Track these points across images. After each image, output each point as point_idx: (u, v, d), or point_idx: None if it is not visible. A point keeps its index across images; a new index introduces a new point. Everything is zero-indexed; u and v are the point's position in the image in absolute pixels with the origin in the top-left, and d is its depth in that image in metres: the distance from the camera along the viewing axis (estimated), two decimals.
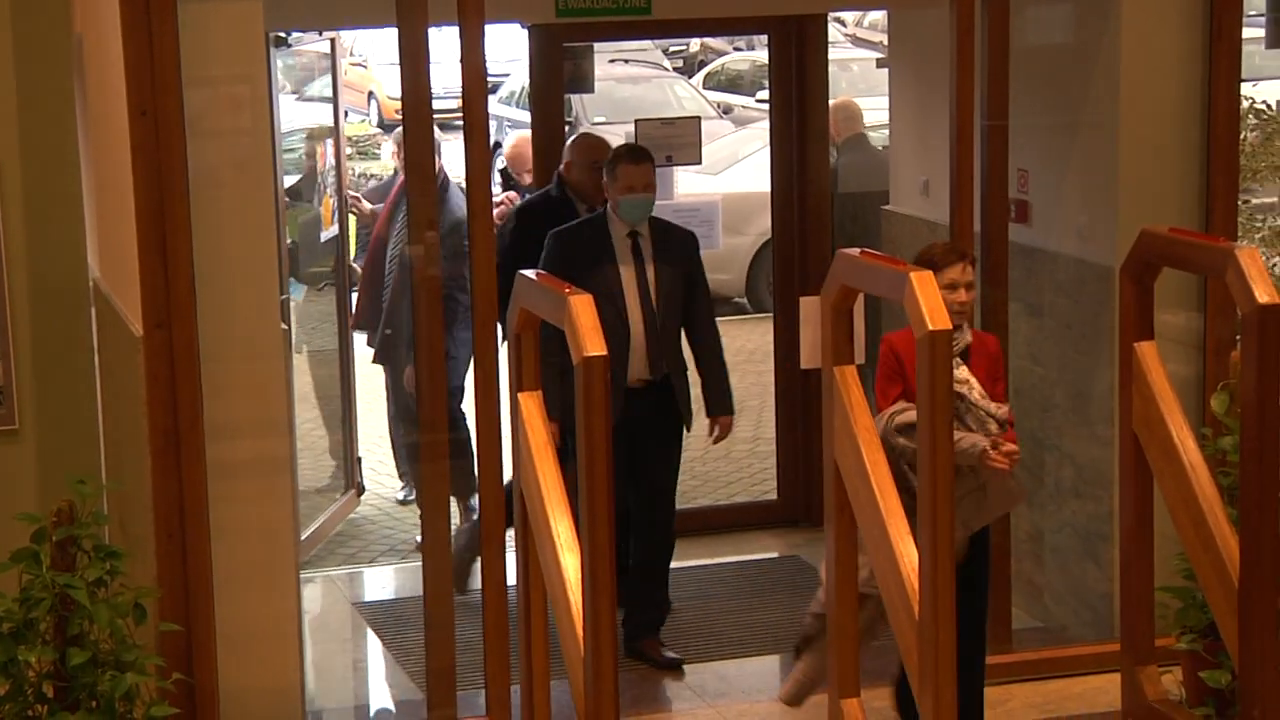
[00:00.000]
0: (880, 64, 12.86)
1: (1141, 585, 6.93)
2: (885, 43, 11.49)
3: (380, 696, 8.34)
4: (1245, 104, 8.61)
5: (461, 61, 7.05)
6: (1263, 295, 6.15)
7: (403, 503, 10.49)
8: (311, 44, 10.64)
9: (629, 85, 16.92)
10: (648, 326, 7.79)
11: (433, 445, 7.30)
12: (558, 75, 9.49)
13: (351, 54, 23.32)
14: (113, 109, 6.98)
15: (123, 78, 6.71)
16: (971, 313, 6.67)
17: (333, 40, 10.40)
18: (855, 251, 6.46)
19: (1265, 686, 6.24)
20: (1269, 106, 10.82)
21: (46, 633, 6.44)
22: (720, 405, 8.28)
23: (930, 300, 5.90)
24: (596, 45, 10.18)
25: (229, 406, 7.01)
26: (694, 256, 8.10)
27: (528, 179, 10.32)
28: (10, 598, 6.45)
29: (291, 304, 9.26)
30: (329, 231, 10.69)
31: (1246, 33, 8.00)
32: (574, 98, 11.81)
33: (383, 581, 9.44)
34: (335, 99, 10.60)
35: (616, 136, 11.50)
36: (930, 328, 5.85)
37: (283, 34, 9.38)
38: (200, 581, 6.93)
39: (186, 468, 6.89)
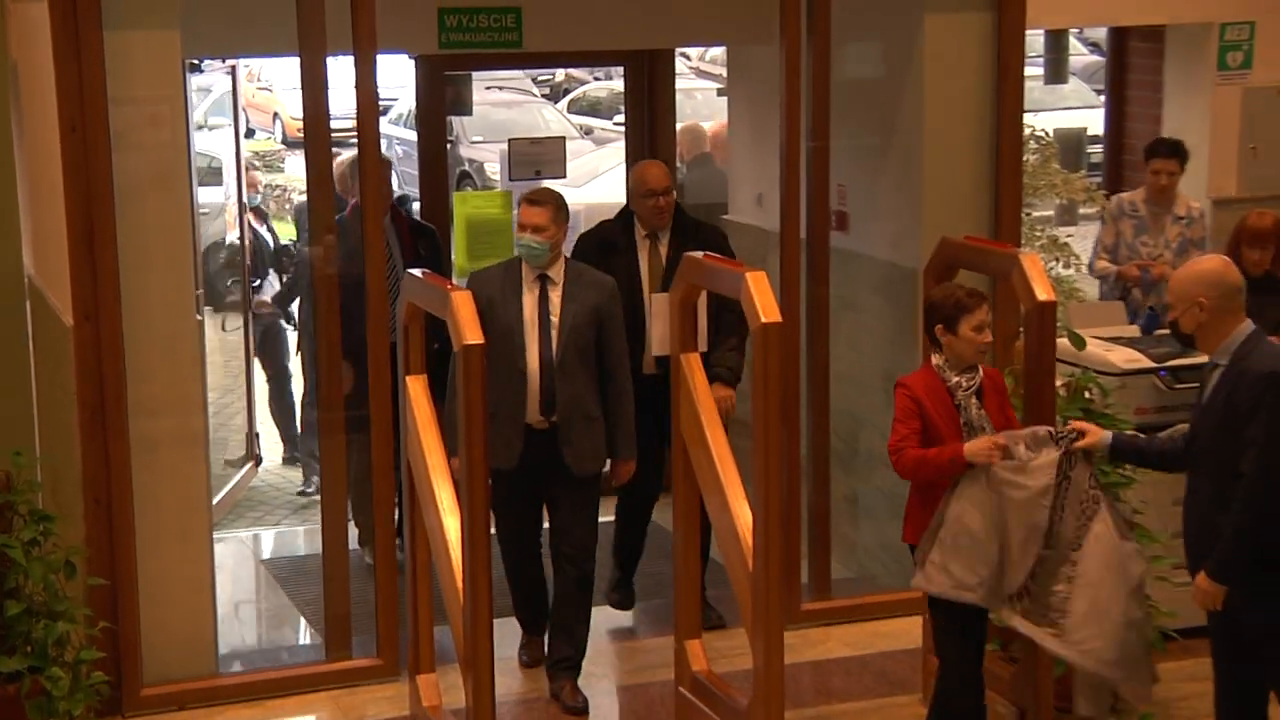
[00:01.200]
0: (720, 93, 12.81)
1: None
2: (725, 74, 11.40)
3: (284, 642, 8.15)
4: (1027, 132, 8.66)
5: (355, 86, 6.93)
6: (1041, 293, 6.24)
7: (301, 494, 10.17)
8: (215, 70, 10.46)
9: (503, 109, 16.84)
10: (543, 367, 6.70)
11: (330, 422, 7.17)
12: (440, 99, 9.38)
13: (259, 79, 23.00)
14: (45, 125, 6.83)
15: (54, 98, 6.61)
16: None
17: (234, 67, 10.24)
18: (700, 255, 6.43)
19: None
20: (1046, 134, 10.93)
21: None
22: (623, 449, 7.03)
23: (764, 297, 5.86)
24: (474, 74, 10.07)
25: (149, 388, 6.89)
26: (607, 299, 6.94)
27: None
28: None
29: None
30: (232, 234, 10.62)
31: (1028, 71, 8.08)
32: (455, 119, 11.63)
33: (286, 542, 9.25)
34: (235, 119, 10.52)
35: (491, 154, 11.45)
36: (763, 320, 5.82)
37: (195, 60, 9.17)
38: (124, 542, 6.81)
39: (112, 442, 6.79)
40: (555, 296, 6.71)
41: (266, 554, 9.00)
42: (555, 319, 6.68)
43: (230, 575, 8.55)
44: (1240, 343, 5.47)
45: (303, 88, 6.96)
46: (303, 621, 7.98)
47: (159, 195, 6.87)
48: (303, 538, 9.20)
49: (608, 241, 7.45)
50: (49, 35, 6.55)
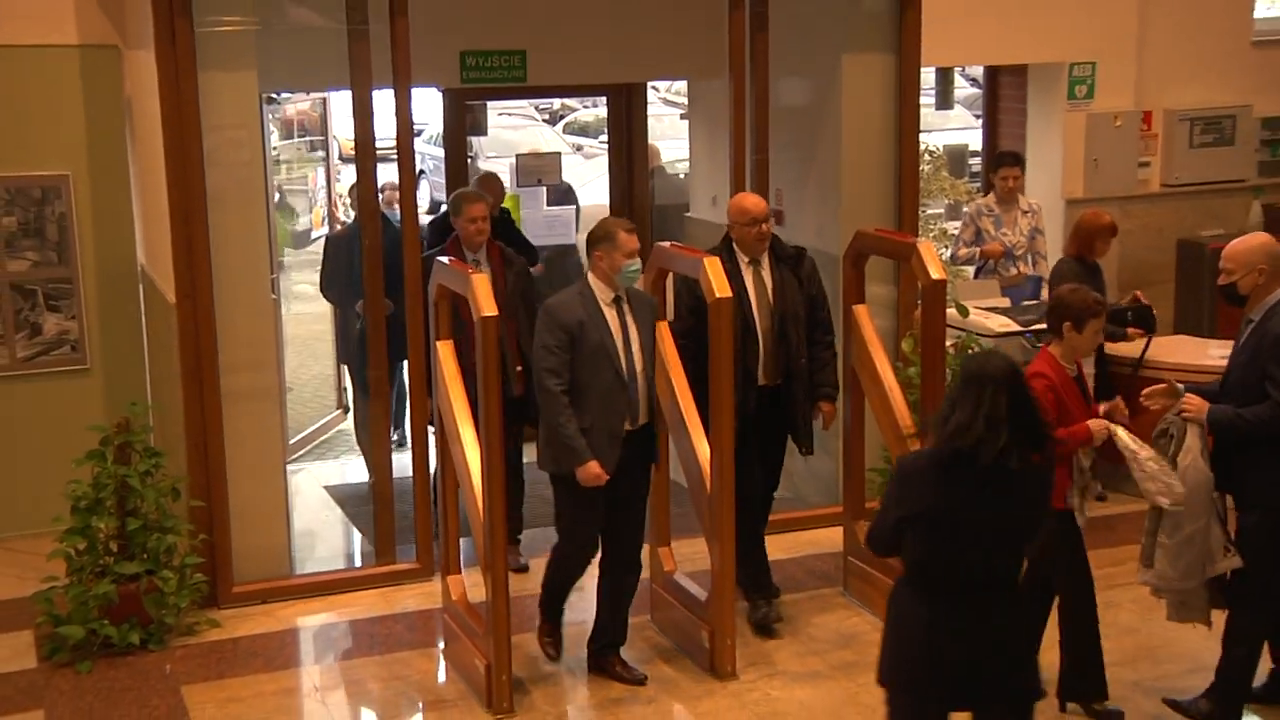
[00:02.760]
0: (683, 117, 12.76)
1: (857, 466, 6.96)
2: (686, 103, 11.38)
3: (344, 550, 8.18)
4: (922, 147, 8.67)
5: (395, 113, 6.91)
6: (934, 273, 6.27)
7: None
8: (299, 101, 10.40)
9: (511, 131, 16.79)
10: (631, 379, 5.93)
11: (377, 380, 7.17)
12: (462, 123, 9.37)
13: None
14: (153, 148, 6.83)
15: (160, 126, 6.59)
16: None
17: (324, 100, 10.17)
18: (668, 244, 6.44)
19: None
20: (937, 149, 10.96)
21: (111, 508, 6.43)
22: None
23: (717, 277, 5.88)
24: (489, 102, 10.06)
25: (235, 353, 6.88)
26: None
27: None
28: (85, 484, 6.43)
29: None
30: (320, 230, 10.64)
31: (922, 100, 8.12)
32: (473, 139, 11.58)
33: (346, 472, 9.25)
34: (326, 141, 10.49)
35: (503, 166, 11.39)
36: (717, 295, 5.83)
37: (273, 95, 9.13)
38: (217, 473, 6.83)
39: (206, 394, 6.79)
40: (629, 315, 5.97)
41: (334, 482, 8.98)
42: (635, 334, 5.96)
43: (303, 499, 8.54)
44: (1272, 305, 5.38)
45: (354, 115, 6.94)
46: (358, 534, 7.99)
47: (241, 202, 6.85)
48: (364, 468, 9.14)
49: None
50: (155, 76, 6.54)
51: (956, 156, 13.92)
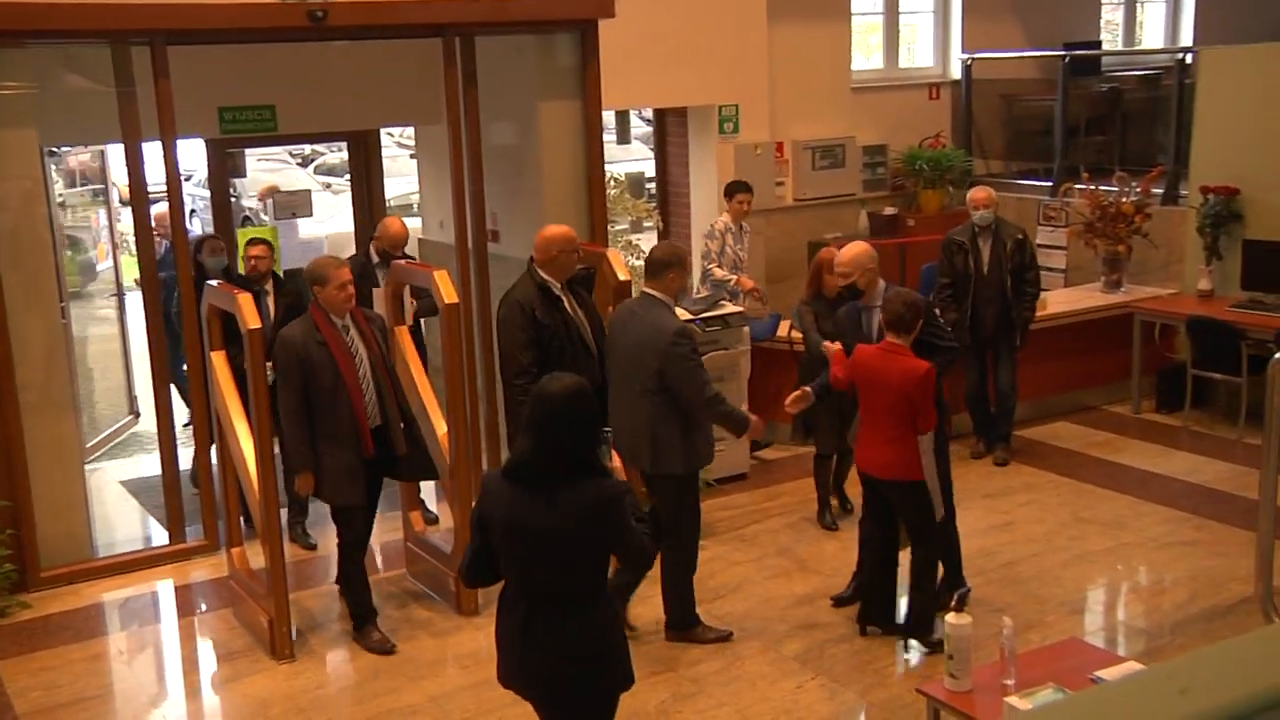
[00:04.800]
0: (412, 157, 12.51)
1: None
2: (414, 145, 11.16)
3: (139, 533, 7.74)
4: (608, 175, 8.73)
5: (164, 161, 6.54)
6: (621, 276, 6.29)
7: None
8: (80, 153, 9.70)
9: (268, 173, 16.11)
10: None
11: (160, 392, 6.79)
12: (224, 168, 8.91)
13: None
14: None
15: None
16: None
17: (103, 151, 9.45)
18: (404, 260, 6.32)
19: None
20: (619, 177, 11.05)
21: None
22: None
23: (446, 286, 5.79)
24: (247, 149, 9.60)
25: (29, 371, 6.43)
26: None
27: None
28: None
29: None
30: (105, 263, 9.98)
31: (606, 136, 8.17)
32: (235, 180, 11.07)
33: (140, 468, 8.73)
34: (106, 187, 9.73)
35: (262, 204, 10.94)
36: (446, 302, 5.75)
37: (54, 148, 8.50)
38: (20, 474, 6.38)
39: (6, 409, 6.33)
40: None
41: (129, 476, 8.47)
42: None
43: (102, 493, 8.01)
44: (883, 291, 5.70)
45: (126, 165, 6.54)
46: (151, 520, 7.56)
47: (30, 242, 6.40)
48: (156, 464, 8.63)
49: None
50: None
51: (636, 182, 14.10)
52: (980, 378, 7.89)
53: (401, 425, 5.69)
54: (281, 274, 7.23)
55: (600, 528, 3.57)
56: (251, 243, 7.02)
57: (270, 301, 6.82)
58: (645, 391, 5.32)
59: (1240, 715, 1.23)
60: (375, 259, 7.08)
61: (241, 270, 7.13)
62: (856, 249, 5.80)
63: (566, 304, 5.78)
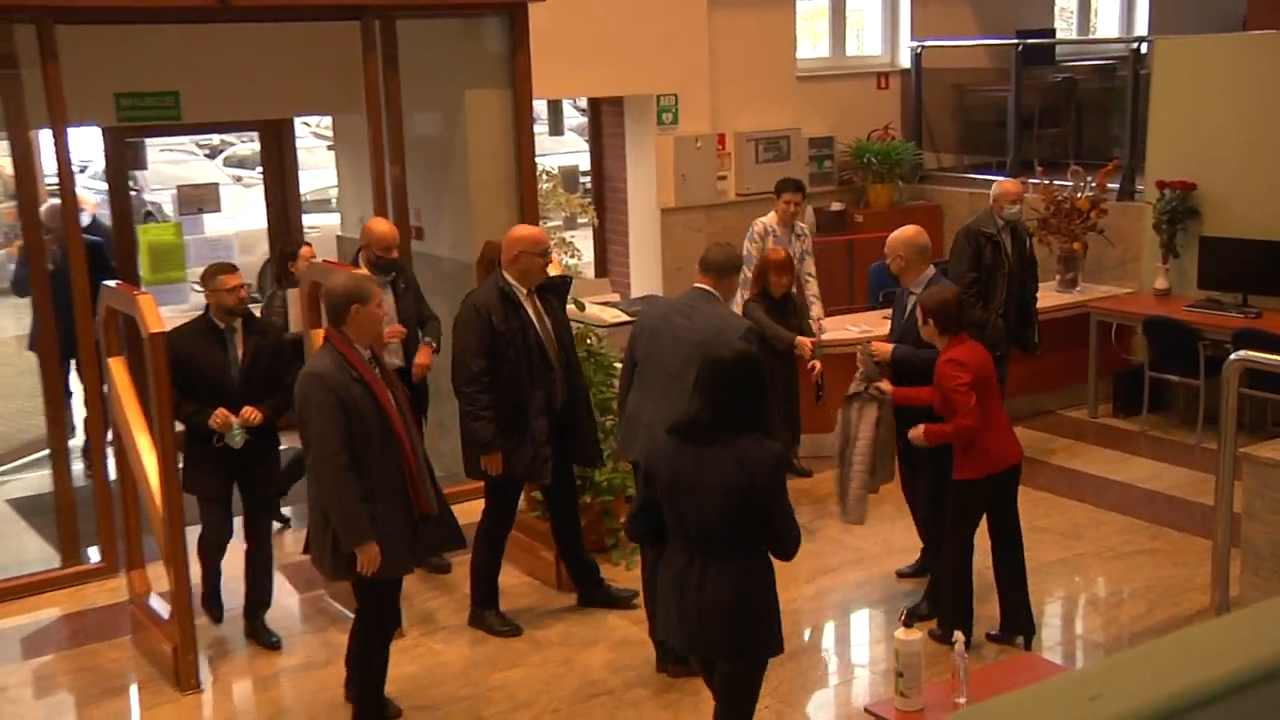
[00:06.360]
0: (330, 148, 12.37)
1: None
2: (333, 135, 11.04)
3: (32, 555, 7.54)
4: (539, 169, 8.69)
5: (54, 151, 6.36)
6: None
7: None
8: None
9: (173, 165, 15.84)
10: None
11: (52, 402, 6.63)
12: (123, 158, 8.72)
13: None
14: None
15: None
16: None
17: None
18: (321, 260, 6.23)
19: None
20: (553, 170, 11.00)
21: None
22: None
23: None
24: (148, 139, 9.41)
25: None
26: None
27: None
28: None
29: None
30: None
31: (537, 128, 8.13)
32: (136, 173, 10.86)
33: (34, 486, 8.50)
34: None
35: (166, 198, 10.76)
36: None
37: None
38: None
39: None
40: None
41: (17, 495, 8.25)
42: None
43: None
44: (927, 279, 5.83)
45: (12, 155, 6.37)
46: (44, 541, 7.36)
47: None
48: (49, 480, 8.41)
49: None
50: None
51: (569, 176, 14.06)
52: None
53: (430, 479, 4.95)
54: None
55: (752, 484, 3.94)
56: (226, 271, 5.76)
57: (239, 341, 5.75)
58: None
59: None
60: (361, 267, 6.53)
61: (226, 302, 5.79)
62: (908, 233, 5.96)
63: (530, 311, 5.68)
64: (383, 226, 6.70)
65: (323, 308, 4.93)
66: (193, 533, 5.79)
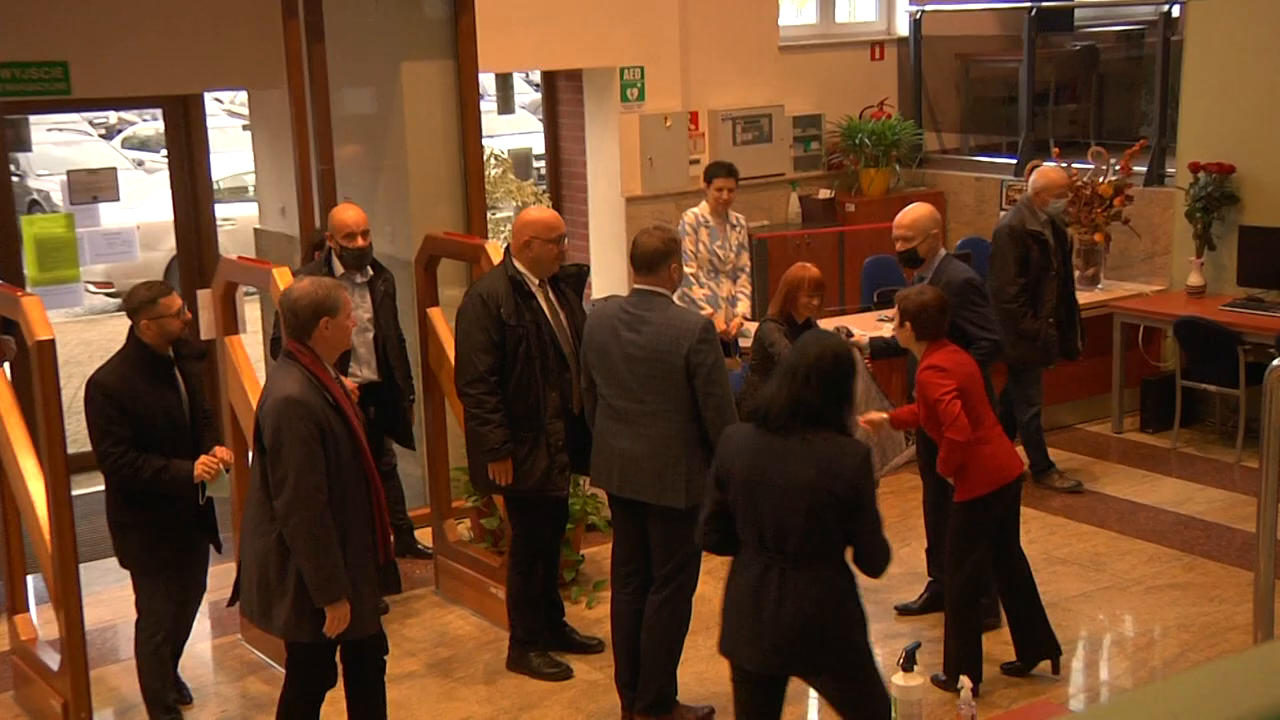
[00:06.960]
0: (246, 128, 12.32)
1: (443, 466, 6.90)
2: (249, 114, 11.01)
3: None
4: (487, 152, 8.70)
5: None
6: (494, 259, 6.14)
7: None
8: None
9: (63, 147, 15.74)
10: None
11: None
12: (3, 139, 8.59)
13: None
14: None
15: None
16: None
17: None
18: (235, 256, 6.20)
19: None
20: (502, 153, 11.03)
21: None
22: None
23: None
24: (32, 117, 9.33)
25: None
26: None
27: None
28: None
29: None
30: None
31: (484, 105, 8.11)
32: (19, 155, 10.77)
33: None
34: None
35: (54, 184, 10.69)
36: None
37: None
38: None
39: None
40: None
41: None
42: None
43: None
44: (939, 262, 6.10)
45: None
46: None
47: None
48: None
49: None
50: None
51: (521, 159, 14.09)
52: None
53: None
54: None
55: (837, 483, 4.06)
56: (167, 293, 5.46)
57: (177, 372, 5.54)
58: (666, 410, 5.07)
59: None
60: (330, 261, 6.50)
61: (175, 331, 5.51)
62: (919, 211, 6.14)
63: (542, 303, 5.66)
64: (346, 213, 6.54)
65: (282, 319, 4.77)
66: (90, 572, 5.72)
